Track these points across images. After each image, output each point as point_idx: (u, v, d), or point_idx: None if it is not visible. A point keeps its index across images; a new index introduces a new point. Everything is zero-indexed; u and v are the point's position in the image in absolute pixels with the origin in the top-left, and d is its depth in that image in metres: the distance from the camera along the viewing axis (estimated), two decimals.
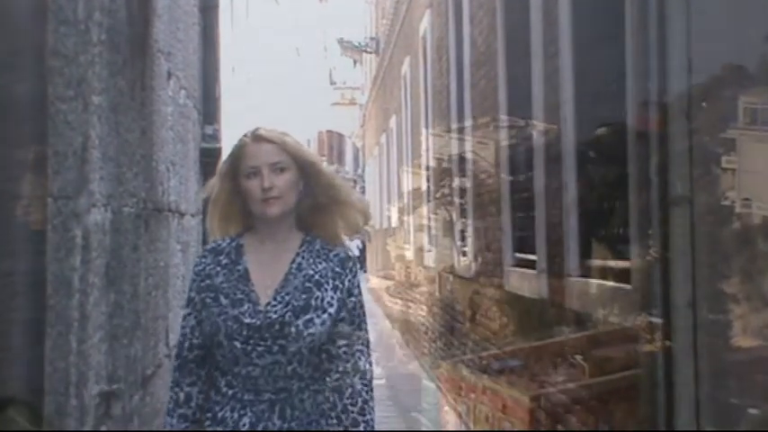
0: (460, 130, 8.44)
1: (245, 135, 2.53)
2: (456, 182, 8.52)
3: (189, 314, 2.52)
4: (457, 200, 8.43)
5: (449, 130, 8.95)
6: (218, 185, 2.58)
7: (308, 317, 2.40)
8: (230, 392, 2.41)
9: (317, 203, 2.55)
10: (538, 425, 4.34)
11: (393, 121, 16.29)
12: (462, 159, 8.30)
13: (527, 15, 5.65)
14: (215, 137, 6.27)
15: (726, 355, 2.65)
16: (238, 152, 2.52)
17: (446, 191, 8.98)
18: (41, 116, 2.39)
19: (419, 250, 11.13)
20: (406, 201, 12.69)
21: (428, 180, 10.27)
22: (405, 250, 12.74)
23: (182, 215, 4.81)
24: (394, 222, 15.89)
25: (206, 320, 2.44)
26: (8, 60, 2.25)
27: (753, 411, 2.59)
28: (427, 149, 10.75)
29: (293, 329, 2.38)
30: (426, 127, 11.08)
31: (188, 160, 5.26)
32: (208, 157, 5.85)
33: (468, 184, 7.94)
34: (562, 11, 4.94)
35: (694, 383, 2.69)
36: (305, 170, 2.52)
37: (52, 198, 2.38)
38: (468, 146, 7.99)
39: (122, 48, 3.14)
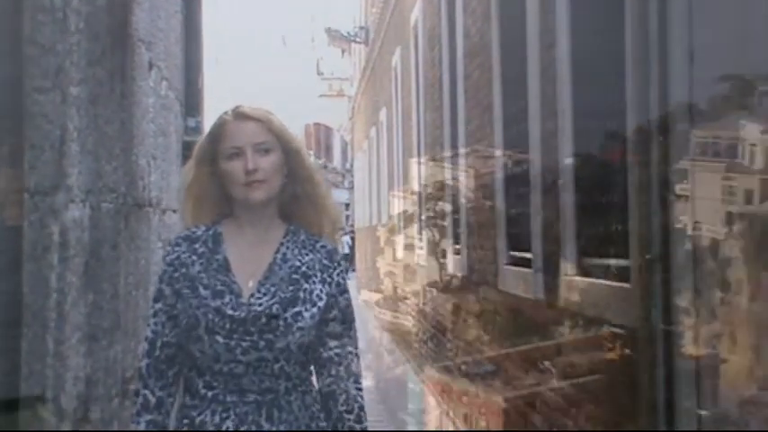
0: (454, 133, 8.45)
1: (225, 113, 2.40)
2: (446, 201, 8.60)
3: (160, 309, 2.37)
4: (447, 219, 8.51)
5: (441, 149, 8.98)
6: (194, 168, 2.46)
7: (296, 309, 2.30)
8: (210, 394, 2.28)
9: (296, 193, 2.44)
10: (509, 424, 4.90)
11: (383, 114, 16.29)
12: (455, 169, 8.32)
13: (523, 3, 5.66)
14: (198, 130, 6.25)
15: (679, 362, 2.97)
16: (218, 131, 2.40)
17: (436, 210, 9.10)
18: (17, 108, 2.38)
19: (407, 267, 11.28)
20: (396, 221, 13.05)
21: (420, 199, 10.40)
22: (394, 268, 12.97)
23: (163, 211, 4.80)
24: (384, 220, 15.90)
25: (182, 313, 2.31)
26: None
27: (703, 412, 2.84)
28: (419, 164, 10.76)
29: (281, 323, 2.27)
30: (418, 120, 11.09)
31: (170, 154, 5.25)
32: (190, 151, 5.82)
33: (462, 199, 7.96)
34: None
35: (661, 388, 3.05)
36: (288, 155, 2.40)
37: (28, 193, 2.37)
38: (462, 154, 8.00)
39: (102, 36, 3.13)
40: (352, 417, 2.40)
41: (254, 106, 2.42)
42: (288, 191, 2.43)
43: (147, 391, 2.34)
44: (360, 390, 2.44)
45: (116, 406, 3.42)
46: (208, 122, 6.43)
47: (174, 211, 5.26)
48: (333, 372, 2.41)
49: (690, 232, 2.86)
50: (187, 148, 5.87)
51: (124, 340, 3.62)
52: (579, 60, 4.76)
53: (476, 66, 7.43)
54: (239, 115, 2.38)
